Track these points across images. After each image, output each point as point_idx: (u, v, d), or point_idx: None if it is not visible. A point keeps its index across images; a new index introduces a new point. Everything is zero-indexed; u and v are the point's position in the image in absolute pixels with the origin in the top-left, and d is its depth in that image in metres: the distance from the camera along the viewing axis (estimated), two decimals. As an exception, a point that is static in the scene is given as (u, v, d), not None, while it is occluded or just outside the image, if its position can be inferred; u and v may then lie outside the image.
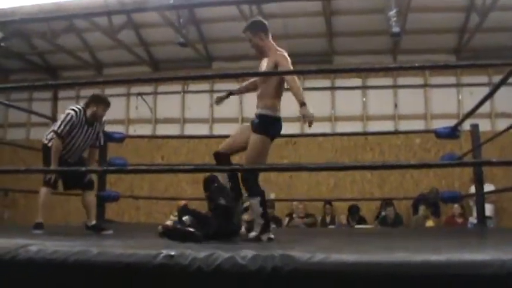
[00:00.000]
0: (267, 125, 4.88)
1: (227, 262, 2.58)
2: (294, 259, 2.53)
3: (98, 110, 6.03)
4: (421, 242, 4.32)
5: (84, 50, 13.79)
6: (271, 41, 5.10)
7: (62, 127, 5.79)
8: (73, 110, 5.89)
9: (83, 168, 4.57)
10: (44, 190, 5.80)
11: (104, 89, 13.79)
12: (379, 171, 11.65)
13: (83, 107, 6.00)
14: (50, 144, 5.84)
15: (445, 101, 12.25)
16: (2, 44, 12.47)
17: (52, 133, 5.88)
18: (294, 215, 11.45)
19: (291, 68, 4.99)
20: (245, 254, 2.59)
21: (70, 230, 4.78)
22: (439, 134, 7.18)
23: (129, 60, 13.68)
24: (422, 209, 10.75)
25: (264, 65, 5.07)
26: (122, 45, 12.79)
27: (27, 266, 2.88)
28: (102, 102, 6.17)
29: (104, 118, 6.22)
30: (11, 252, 2.92)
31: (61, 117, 5.95)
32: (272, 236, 4.53)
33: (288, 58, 5.00)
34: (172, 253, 2.69)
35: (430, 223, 10.60)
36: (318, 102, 12.58)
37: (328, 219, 11.59)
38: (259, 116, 4.89)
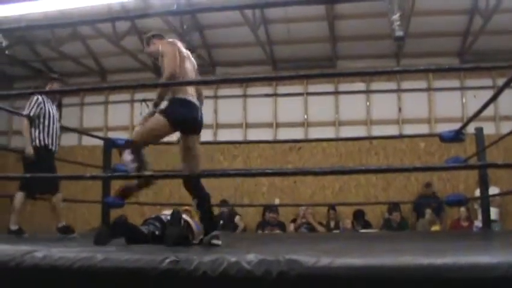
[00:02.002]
0: (170, 107, 4.67)
1: (232, 267, 2.58)
2: (299, 263, 2.53)
3: (53, 86, 6.72)
4: (426, 245, 4.30)
5: (88, 57, 13.82)
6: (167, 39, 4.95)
7: (33, 109, 6.16)
8: (35, 95, 6.47)
9: (88, 175, 4.57)
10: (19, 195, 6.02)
11: (108, 96, 13.84)
12: (384, 175, 11.65)
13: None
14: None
15: (449, 104, 12.23)
16: (7, 52, 12.51)
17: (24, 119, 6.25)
18: (303, 220, 11.43)
19: (169, 49, 4.72)
20: (251, 258, 2.59)
21: (75, 236, 4.79)
22: (443, 138, 7.15)
23: (133, 67, 13.68)
24: (428, 213, 10.74)
25: None
26: (125, 51, 12.82)
27: (32, 272, 2.89)
28: (57, 80, 6.83)
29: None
30: (17, 259, 2.92)
31: (27, 105, 6.52)
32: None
33: (174, 43, 4.83)
34: (178, 258, 2.69)
35: (436, 228, 10.58)
36: (321, 107, 12.63)
37: (332, 224, 11.57)
38: (168, 101, 4.73)
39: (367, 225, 11.19)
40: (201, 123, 4.92)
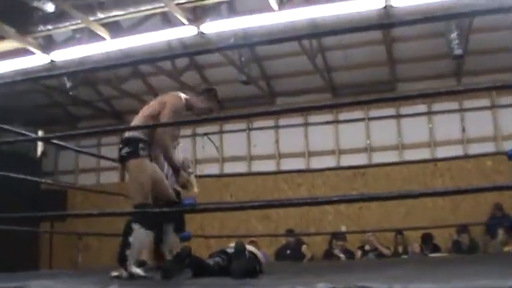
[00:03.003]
0: None
1: (305, 297, 2.56)
2: (371, 291, 2.50)
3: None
4: (501, 268, 4.20)
5: (149, 94, 14.05)
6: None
7: None
8: None
9: (157, 210, 4.64)
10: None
11: (171, 131, 14.00)
12: (451, 197, 11.40)
13: None
14: None
15: (516, 120, 11.94)
16: (71, 93, 12.85)
17: None
18: (366, 247, 11.32)
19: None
20: (321, 287, 2.57)
21: (147, 270, 4.85)
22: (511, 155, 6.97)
23: (193, 101, 13.84)
24: (501, 233, 10.45)
25: None
26: (186, 86, 12.99)
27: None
28: None
29: None
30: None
31: None
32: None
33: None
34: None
35: (509, 248, 10.30)
36: (384, 132, 12.50)
37: (400, 249, 11.39)
38: None
39: (436, 248, 10.97)
40: (121, 154, 4.85)
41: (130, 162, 4.76)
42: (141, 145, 4.71)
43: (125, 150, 4.76)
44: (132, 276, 4.41)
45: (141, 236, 4.59)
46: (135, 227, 4.56)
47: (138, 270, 4.47)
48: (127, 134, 4.88)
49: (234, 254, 4.51)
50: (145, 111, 5.02)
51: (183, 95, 5.15)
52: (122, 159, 4.80)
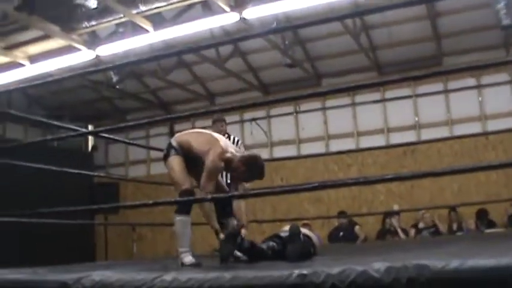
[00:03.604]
0: None
1: (361, 276, 2.55)
2: (428, 268, 2.47)
3: (223, 127, 7.71)
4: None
5: (194, 83, 14.16)
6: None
7: None
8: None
9: (209, 196, 4.71)
10: None
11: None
12: (504, 170, 11.17)
13: None
14: None
15: None
16: (117, 86, 13.01)
17: None
18: (420, 225, 11.23)
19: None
20: (378, 267, 2.56)
21: (199, 258, 4.88)
22: None
23: (239, 87, 13.92)
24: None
25: None
26: (231, 73, 13.04)
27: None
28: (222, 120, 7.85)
29: None
30: (147, 283, 3.01)
31: None
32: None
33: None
34: (305, 272, 2.69)
35: None
36: (432, 107, 12.33)
37: (454, 226, 11.26)
38: None
39: (491, 224, 10.80)
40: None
41: (166, 162, 5.11)
42: (172, 149, 5.06)
43: (163, 153, 5.19)
44: (183, 265, 4.57)
45: (178, 222, 4.79)
46: (174, 215, 4.80)
47: (187, 259, 4.62)
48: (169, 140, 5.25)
49: (288, 237, 4.52)
50: (184, 136, 5.21)
51: (227, 153, 4.96)
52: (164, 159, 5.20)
